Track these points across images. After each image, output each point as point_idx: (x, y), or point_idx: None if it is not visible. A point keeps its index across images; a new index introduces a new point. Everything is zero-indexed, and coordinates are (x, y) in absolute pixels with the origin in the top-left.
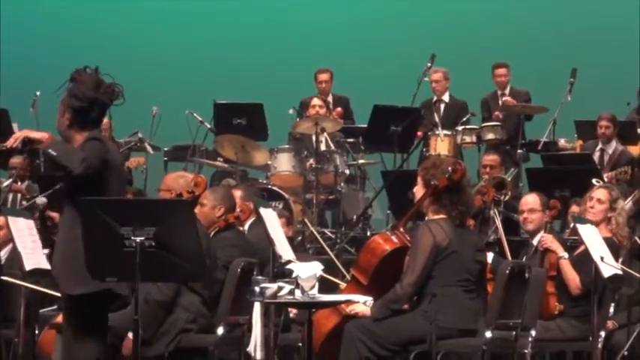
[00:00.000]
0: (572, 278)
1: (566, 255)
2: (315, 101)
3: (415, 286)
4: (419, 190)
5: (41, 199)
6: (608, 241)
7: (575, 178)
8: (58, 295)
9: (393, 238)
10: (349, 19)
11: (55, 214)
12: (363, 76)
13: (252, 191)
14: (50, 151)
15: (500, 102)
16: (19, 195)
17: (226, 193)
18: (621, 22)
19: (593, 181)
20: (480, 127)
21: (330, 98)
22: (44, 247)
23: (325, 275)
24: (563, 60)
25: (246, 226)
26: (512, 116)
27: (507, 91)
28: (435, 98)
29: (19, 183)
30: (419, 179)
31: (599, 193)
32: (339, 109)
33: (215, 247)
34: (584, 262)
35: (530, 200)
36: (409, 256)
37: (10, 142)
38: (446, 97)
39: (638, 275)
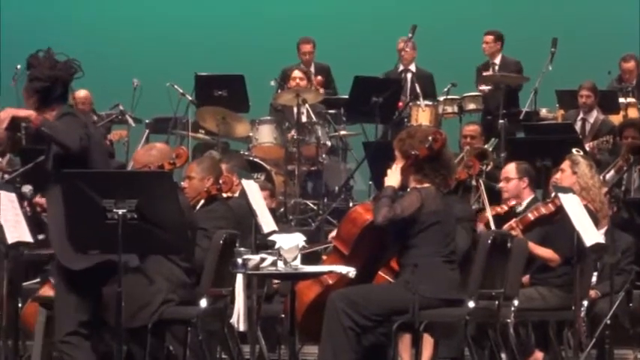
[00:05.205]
0: (546, 255)
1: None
2: (296, 73)
3: (390, 221)
4: (398, 163)
5: (27, 188)
6: (585, 209)
7: (556, 148)
8: None
9: None
10: None
11: (42, 201)
12: (345, 44)
13: (236, 162)
14: (45, 129)
15: (491, 70)
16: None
17: (213, 162)
18: None
19: (573, 150)
20: (461, 97)
21: (312, 68)
22: (39, 233)
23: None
24: (544, 29)
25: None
26: (498, 87)
27: (498, 60)
28: (401, 68)
29: (0, 159)
30: (396, 152)
31: (563, 164)
32: (319, 77)
33: (198, 219)
34: (553, 233)
35: (507, 169)
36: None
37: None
38: (412, 68)
39: None
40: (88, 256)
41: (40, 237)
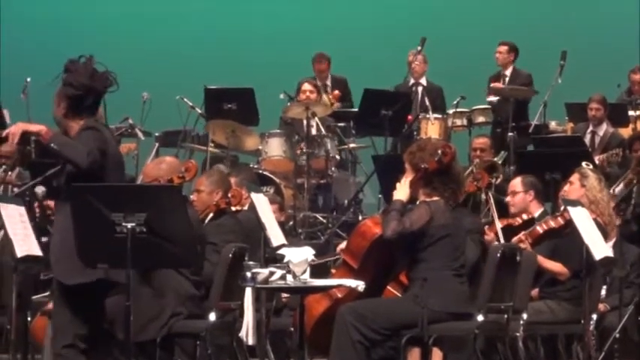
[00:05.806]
0: (555, 269)
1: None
2: (306, 86)
3: (399, 234)
4: (408, 176)
5: (40, 189)
6: (594, 222)
7: (566, 161)
8: None
9: None
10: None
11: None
12: (356, 58)
13: (245, 176)
14: (53, 146)
15: (502, 81)
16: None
17: (221, 176)
18: (612, 4)
19: (583, 163)
20: (470, 110)
21: (328, 81)
22: (40, 235)
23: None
24: (553, 42)
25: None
26: (507, 99)
27: (509, 72)
28: (412, 81)
29: (10, 173)
30: (406, 165)
31: (572, 177)
32: (336, 91)
33: (207, 233)
34: (562, 247)
35: (513, 183)
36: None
37: (10, 140)
38: (423, 81)
39: None
40: (84, 273)
41: (44, 239)
